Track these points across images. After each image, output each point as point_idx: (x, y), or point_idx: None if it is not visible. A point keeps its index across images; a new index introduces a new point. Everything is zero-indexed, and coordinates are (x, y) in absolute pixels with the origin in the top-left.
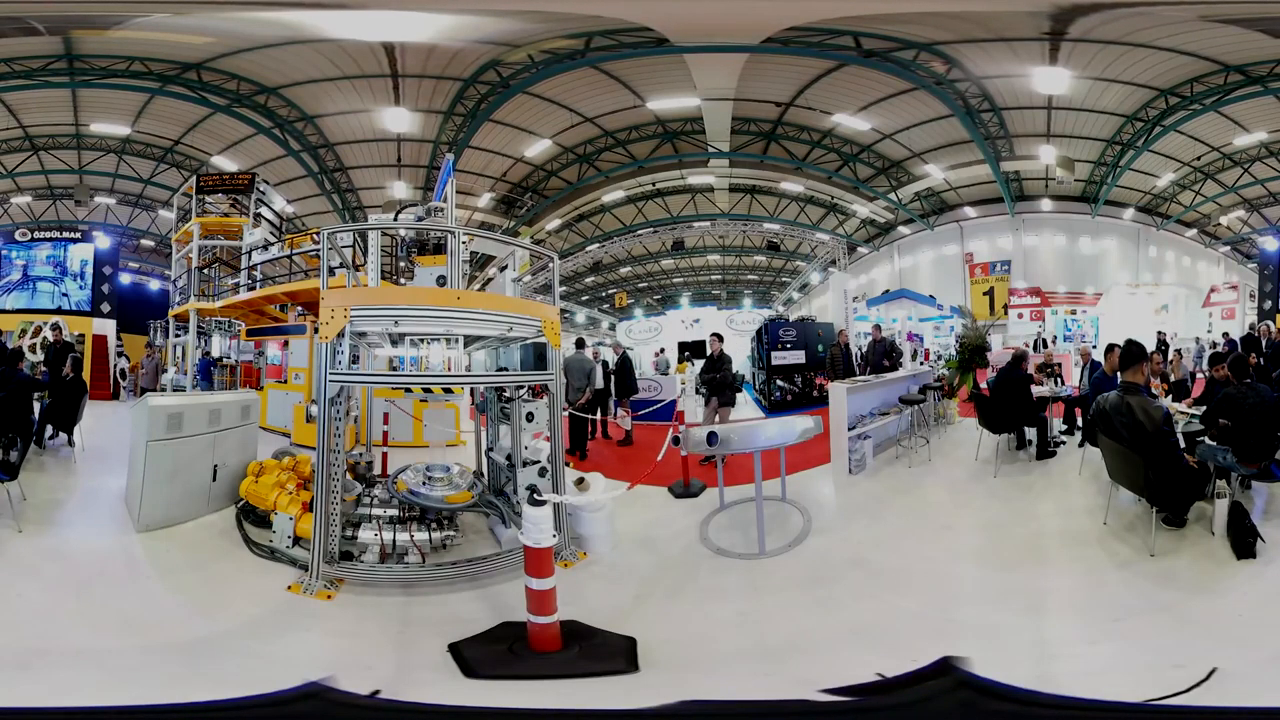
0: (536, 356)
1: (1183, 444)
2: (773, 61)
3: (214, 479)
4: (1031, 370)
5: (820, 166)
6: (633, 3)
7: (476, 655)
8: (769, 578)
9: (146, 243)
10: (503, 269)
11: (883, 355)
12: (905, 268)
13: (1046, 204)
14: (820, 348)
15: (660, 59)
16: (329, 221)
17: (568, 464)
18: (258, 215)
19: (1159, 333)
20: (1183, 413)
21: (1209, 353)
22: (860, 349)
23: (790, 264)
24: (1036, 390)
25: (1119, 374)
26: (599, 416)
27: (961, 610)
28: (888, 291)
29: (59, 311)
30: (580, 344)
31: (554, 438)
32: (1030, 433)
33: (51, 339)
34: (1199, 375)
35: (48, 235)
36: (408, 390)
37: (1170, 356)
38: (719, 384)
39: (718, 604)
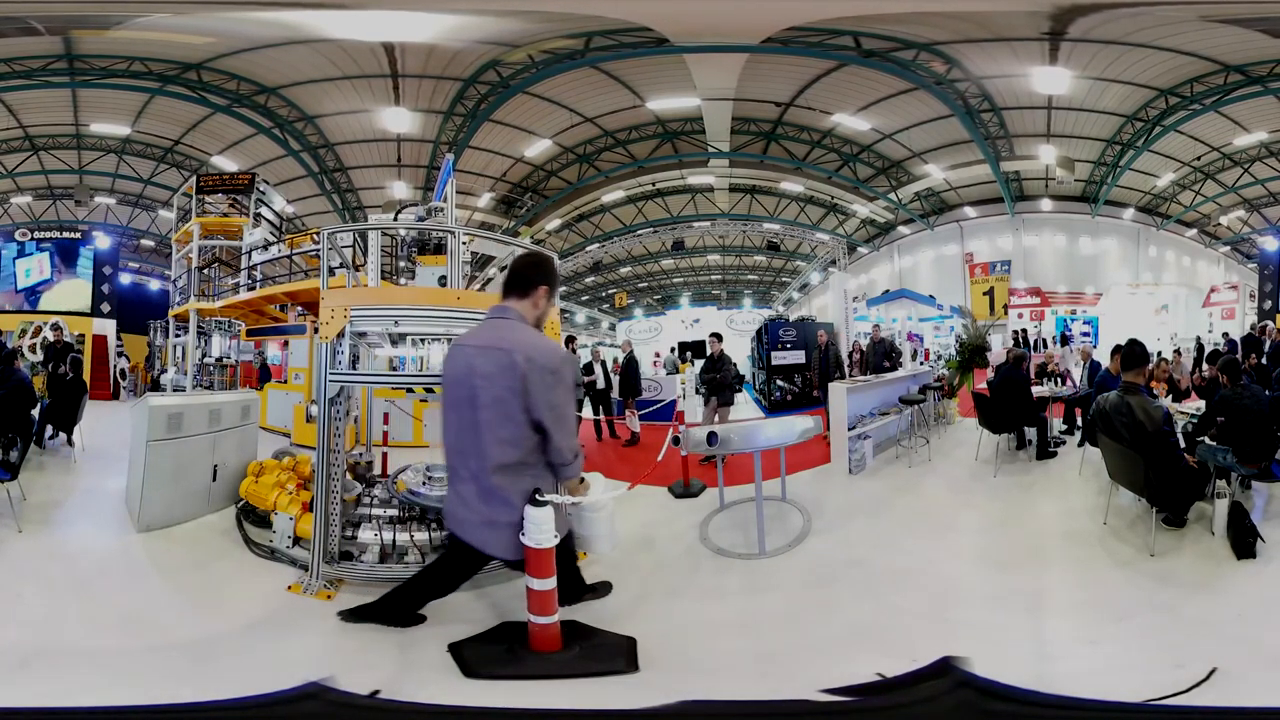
0: None
1: (1183, 444)
2: (773, 61)
3: (214, 479)
4: (1031, 369)
5: (820, 166)
6: (633, 3)
7: (476, 655)
8: (769, 578)
9: (146, 243)
10: (503, 269)
11: (883, 356)
12: (905, 268)
13: (1046, 204)
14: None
15: (660, 59)
16: (329, 221)
17: None
18: (258, 215)
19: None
20: (1183, 413)
21: (1208, 351)
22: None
23: (790, 264)
24: (1037, 390)
25: (1120, 375)
26: (601, 417)
27: (961, 610)
28: (888, 291)
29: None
30: (569, 341)
31: None
32: (1030, 433)
33: (51, 339)
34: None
35: (48, 235)
36: (409, 390)
37: (1170, 356)
38: (719, 384)
39: (718, 604)
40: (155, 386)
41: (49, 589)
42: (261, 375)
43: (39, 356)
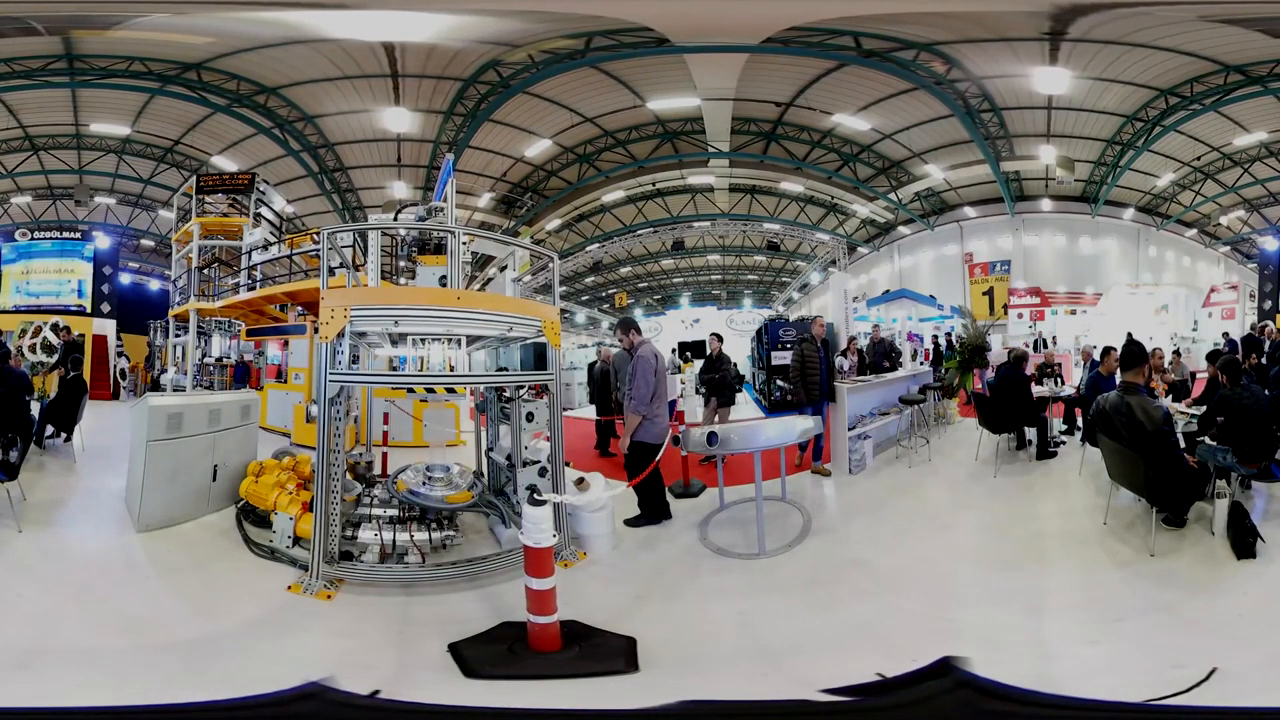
0: (536, 356)
1: (1183, 444)
2: (773, 61)
3: (214, 479)
4: (1031, 369)
5: (820, 166)
6: (633, 3)
7: (476, 655)
8: (769, 577)
9: (146, 243)
10: (503, 269)
11: (883, 356)
12: (905, 268)
13: (1046, 204)
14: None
15: (660, 59)
16: (329, 221)
17: (568, 464)
18: (258, 215)
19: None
20: (1183, 413)
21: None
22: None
23: (790, 264)
24: (1037, 390)
25: (1116, 374)
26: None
27: (961, 610)
28: (888, 291)
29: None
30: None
31: (554, 438)
32: (1030, 433)
33: (53, 339)
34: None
35: (47, 235)
36: (409, 390)
37: (1170, 357)
38: (719, 384)
39: (718, 604)
40: (155, 386)
41: (49, 589)
42: (238, 377)
43: (39, 356)
